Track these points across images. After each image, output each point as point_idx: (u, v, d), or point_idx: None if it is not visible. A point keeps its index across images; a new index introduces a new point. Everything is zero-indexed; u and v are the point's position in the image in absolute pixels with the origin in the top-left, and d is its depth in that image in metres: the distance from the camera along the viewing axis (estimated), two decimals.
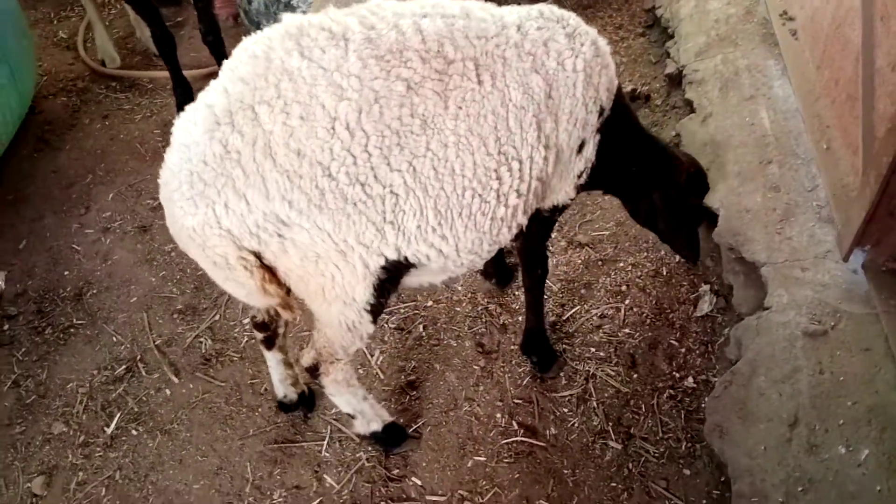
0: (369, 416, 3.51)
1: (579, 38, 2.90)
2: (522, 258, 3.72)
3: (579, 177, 3.19)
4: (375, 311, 2.99)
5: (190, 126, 2.54)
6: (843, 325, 3.49)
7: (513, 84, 2.76)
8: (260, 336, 3.51)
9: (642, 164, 3.51)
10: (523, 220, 3.08)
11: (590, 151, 3.12)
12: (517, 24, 2.84)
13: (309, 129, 2.46)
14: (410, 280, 3.06)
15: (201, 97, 2.58)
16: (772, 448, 3.27)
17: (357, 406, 3.46)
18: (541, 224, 3.40)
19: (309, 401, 3.84)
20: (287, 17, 2.60)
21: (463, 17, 2.75)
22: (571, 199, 3.32)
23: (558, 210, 3.35)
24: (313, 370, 3.27)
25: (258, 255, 2.67)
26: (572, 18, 2.97)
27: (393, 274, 2.87)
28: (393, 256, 2.77)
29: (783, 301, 3.67)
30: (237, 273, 2.66)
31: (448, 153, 2.66)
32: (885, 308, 3.45)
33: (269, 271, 2.75)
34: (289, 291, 2.90)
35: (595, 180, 3.33)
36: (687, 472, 3.61)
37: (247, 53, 2.54)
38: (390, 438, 3.64)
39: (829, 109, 4.28)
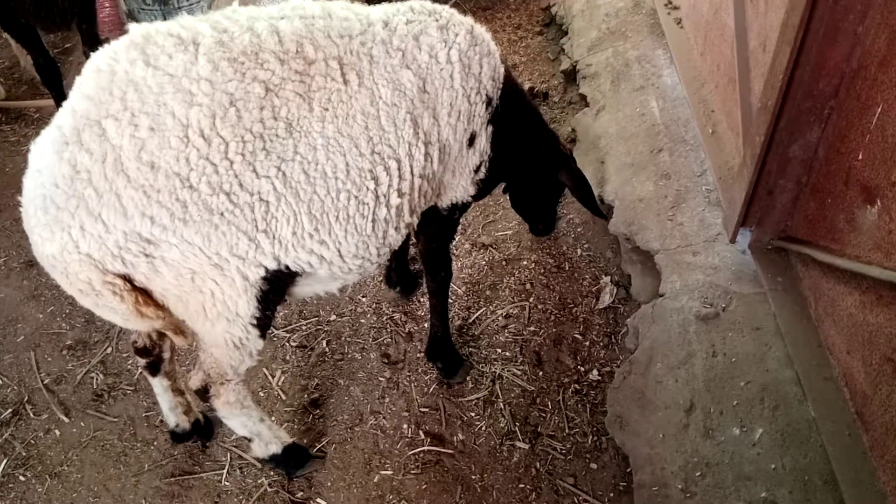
0: (267, 439, 3.39)
1: (453, 30, 2.84)
2: (425, 261, 3.66)
3: (476, 171, 3.14)
4: (262, 325, 2.87)
5: (41, 149, 2.40)
6: (734, 307, 3.52)
7: (381, 81, 2.68)
8: (142, 362, 3.35)
9: (542, 148, 3.53)
10: (412, 220, 3.01)
11: (483, 144, 3.07)
12: (384, 20, 2.77)
13: (160, 139, 2.33)
14: (301, 290, 2.97)
15: (54, 119, 2.45)
16: (670, 435, 3.27)
17: (253, 428, 3.33)
18: (441, 224, 3.35)
19: (205, 429, 3.69)
20: (134, 27, 2.48)
21: (324, 17, 2.66)
22: (472, 197, 3.26)
23: (458, 209, 3.30)
24: (203, 392, 3.13)
25: (128, 278, 2.54)
26: (445, 11, 2.91)
27: (276, 284, 2.77)
28: (272, 266, 2.67)
29: (676, 287, 3.69)
30: (106, 299, 2.52)
31: (318, 156, 2.57)
32: (772, 286, 3.50)
33: (144, 293, 2.62)
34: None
35: (497, 172, 3.30)
36: (594, 465, 3.58)
37: (92, 68, 2.41)
38: (292, 460, 3.51)
39: (714, 94, 4.34)
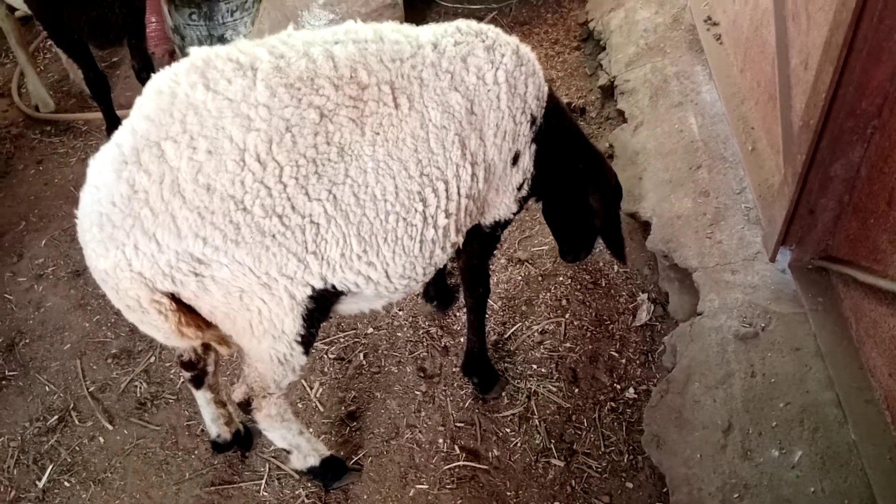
0: (306, 451, 3.43)
1: (499, 50, 2.87)
2: (464, 277, 3.69)
3: (520, 189, 3.17)
4: (306, 342, 2.92)
5: (100, 166, 2.47)
6: (773, 326, 3.49)
7: (431, 104, 2.71)
8: (187, 375, 3.43)
9: (581, 167, 3.52)
10: (458, 239, 3.04)
11: (526, 163, 3.09)
12: (433, 42, 2.80)
13: (217, 162, 2.39)
14: (345, 307, 3.01)
15: (114, 137, 2.53)
16: (707, 456, 3.24)
17: (292, 441, 3.37)
18: (483, 240, 3.38)
19: (245, 440, 3.75)
20: (194, 51, 2.54)
21: (376, 40, 2.71)
22: (514, 214, 3.28)
23: (500, 225, 3.32)
24: (245, 405, 3.19)
25: (175, 297, 2.60)
26: (491, 31, 2.93)
27: (322, 303, 2.81)
28: (319, 286, 2.71)
29: (715, 305, 3.66)
30: (151, 317, 2.59)
31: (368, 179, 2.61)
32: (813, 306, 3.46)
33: (188, 312, 2.69)
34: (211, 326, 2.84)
35: (535, 189, 3.33)
36: (630, 485, 3.57)
37: (153, 90, 2.48)
38: (329, 472, 3.56)
39: (753, 111, 4.31)
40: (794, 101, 3.65)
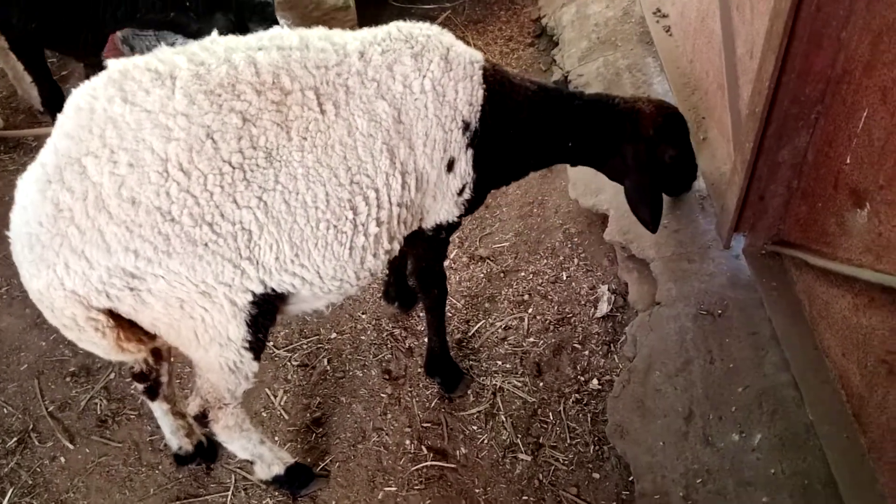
0: (269, 460, 3.40)
1: (426, 57, 2.86)
2: (416, 279, 3.67)
3: (460, 193, 3.14)
4: (255, 348, 2.91)
5: (26, 186, 2.45)
6: (730, 312, 3.54)
7: (357, 112, 2.71)
8: (140, 387, 3.38)
9: (582, 135, 3.34)
10: (393, 246, 3.03)
11: (463, 168, 3.06)
12: (360, 50, 2.80)
13: (140, 175, 2.38)
14: (291, 308, 3.01)
15: (39, 156, 2.49)
16: (670, 443, 3.28)
17: (254, 451, 3.35)
18: (428, 244, 3.36)
19: (209, 452, 3.70)
20: (112, 63, 2.52)
21: (301, 47, 2.70)
22: (459, 217, 3.25)
23: (444, 229, 3.29)
24: (202, 418, 3.16)
25: (114, 312, 2.58)
26: (422, 36, 2.92)
27: (265, 308, 2.81)
28: (259, 290, 2.71)
29: (672, 294, 3.71)
30: (88, 334, 2.58)
31: (299, 185, 2.61)
32: (767, 291, 3.51)
33: (129, 327, 2.68)
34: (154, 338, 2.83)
35: (490, 185, 3.32)
36: (596, 475, 3.60)
37: (72, 106, 2.45)
38: (295, 480, 3.53)
39: (704, 101, 4.37)
40: (742, 90, 3.70)
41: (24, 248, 2.43)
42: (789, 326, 3.37)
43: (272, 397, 4.01)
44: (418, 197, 2.99)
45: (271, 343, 4.23)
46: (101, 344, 2.61)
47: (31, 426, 3.92)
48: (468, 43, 3.26)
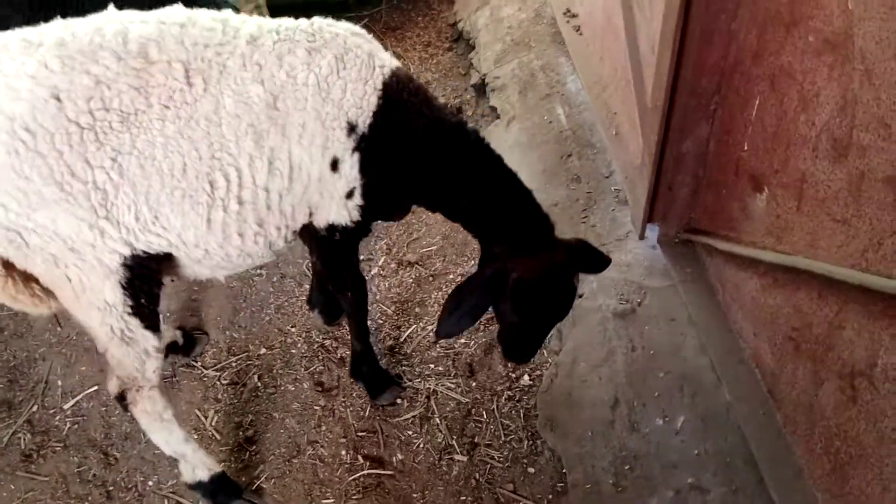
0: (193, 462, 3.36)
1: (320, 54, 2.84)
2: (328, 279, 3.66)
3: (349, 196, 3.06)
4: (142, 314, 2.93)
5: None
6: (649, 301, 3.64)
7: (227, 91, 2.72)
8: None
9: (474, 212, 3.20)
10: (266, 231, 3.01)
11: (348, 170, 2.98)
12: (254, 35, 2.80)
13: None
14: (180, 272, 3.06)
15: None
16: (598, 433, 3.36)
17: (177, 448, 3.31)
18: (324, 244, 3.27)
19: (185, 347, 4.11)
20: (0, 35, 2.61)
21: (184, 24, 2.72)
22: (359, 223, 3.17)
23: (339, 231, 3.17)
24: (121, 399, 3.15)
25: (9, 263, 2.72)
26: (328, 34, 2.89)
27: (141, 270, 2.85)
28: (127, 252, 2.77)
29: (593, 287, 3.79)
30: None
31: (156, 153, 2.66)
32: (682, 277, 3.63)
33: (27, 281, 2.82)
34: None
35: (392, 196, 3.25)
36: (531, 470, 3.65)
37: None
38: (220, 492, 3.47)
39: (614, 97, 4.48)
40: (646, 85, 3.81)
41: None
42: (704, 311, 3.50)
43: (202, 418, 3.95)
44: (297, 188, 2.97)
45: (199, 364, 4.17)
46: None
47: None
48: (387, 49, 3.22)
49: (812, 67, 2.55)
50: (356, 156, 2.97)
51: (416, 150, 3.10)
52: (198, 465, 3.37)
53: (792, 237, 2.80)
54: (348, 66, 2.88)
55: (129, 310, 2.87)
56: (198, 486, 3.42)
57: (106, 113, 2.56)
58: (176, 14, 2.76)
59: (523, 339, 3.24)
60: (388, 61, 3.03)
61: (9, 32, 2.58)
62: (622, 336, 3.56)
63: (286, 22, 2.94)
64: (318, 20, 2.98)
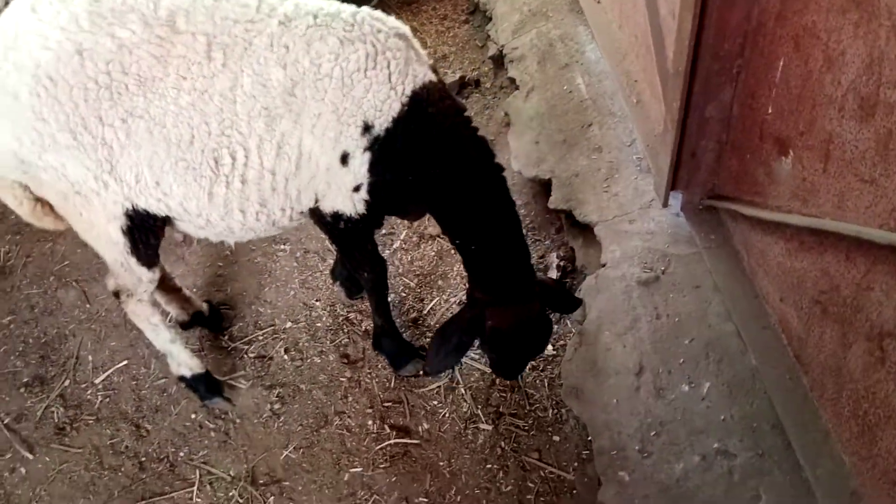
0: (178, 360, 3.73)
1: (351, 48, 2.78)
2: (344, 260, 3.72)
3: (356, 190, 3.03)
4: (140, 256, 3.15)
5: None
6: (673, 268, 3.63)
7: (248, 70, 2.73)
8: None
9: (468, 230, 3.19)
10: (269, 210, 3.05)
11: (357, 167, 2.95)
12: (289, 17, 2.77)
13: (20, 74, 2.63)
14: (178, 228, 3.17)
15: None
16: (623, 399, 3.37)
17: (163, 347, 3.70)
18: (330, 230, 3.28)
19: (212, 321, 4.21)
20: None
21: None
22: (363, 216, 3.13)
23: (344, 220, 3.15)
24: (116, 295, 3.46)
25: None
26: (366, 26, 2.82)
27: (142, 223, 3.02)
28: (128, 205, 2.92)
29: (616, 256, 3.79)
30: (10, 201, 3.02)
31: (167, 120, 2.74)
32: (706, 244, 3.61)
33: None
34: None
35: (401, 199, 3.22)
36: (556, 438, 3.68)
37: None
38: (199, 387, 3.83)
39: (635, 64, 4.44)
40: (668, 51, 3.76)
41: None
42: (729, 277, 3.48)
43: (230, 391, 4.01)
44: (304, 175, 2.96)
45: (227, 336, 4.23)
46: (21, 212, 3.06)
47: None
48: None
49: (837, 26, 2.51)
50: (367, 155, 2.94)
51: (429, 167, 3.04)
52: (182, 364, 3.71)
53: (818, 199, 2.77)
54: (378, 67, 2.82)
55: (129, 250, 3.09)
56: (182, 380, 3.80)
57: (124, 76, 2.66)
58: None
59: (506, 365, 3.43)
60: (424, 73, 2.95)
61: None
62: (646, 304, 3.55)
63: (330, 6, 2.88)
64: (365, 11, 2.91)
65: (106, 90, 2.66)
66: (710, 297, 3.48)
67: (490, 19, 5.83)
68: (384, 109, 2.86)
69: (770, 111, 3.01)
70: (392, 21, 2.94)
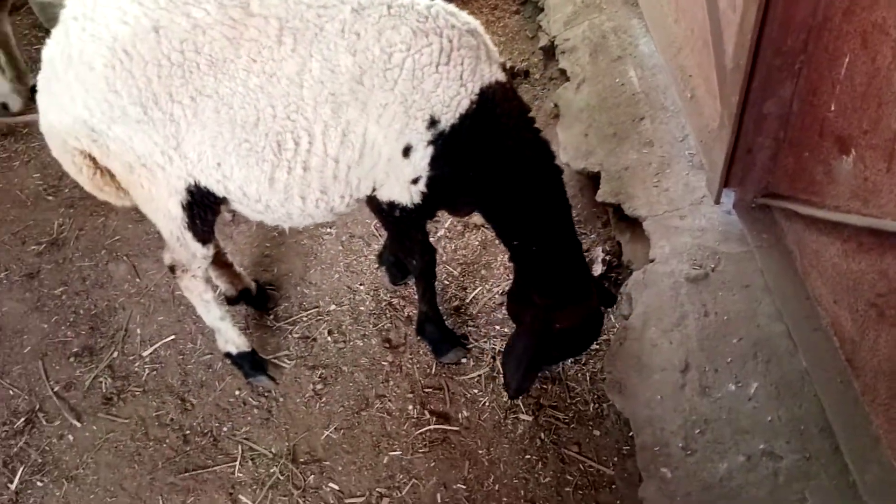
0: (226, 337, 3.81)
1: (424, 41, 2.76)
2: (395, 247, 3.74)
3: (415, 183, 3.05)
4: (196, 232, 3.21)
5: None
6: (723, 266, 3.59)
7: (317, 56, 2.73)
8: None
9: (538, 235, 3.22)
10: (330, 198, 3.07)
11: (419, 160, 2.96)
12: (363, 4, 2.76)
13: (97, 46, 2.67)
14: (241, 210, 3.20)
15: None
16: (668, 396, 3.34)
17: (212, 322, 3.78)
18: (385, 217, 3.30)
19: (258, 300, 4.26)
20: None
21: None
22: (419, 207, 3.15)
23: (399, 209, 3.17)
24: (171, 269, 3.55)
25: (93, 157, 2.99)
26: (442, 20, 2.80)
27: (202, 200, 3.06)
28: (190, 181, 2.96)
29: (665, 251, 3.75)
30: (70, 168, 3.07)
31: (234, 102, 2.75)
32: (758, 243, 3.56)
33: (108, 174, 3.10)
34: None
35: (455, 194, 3.24)
36: (597, 432, 3.67)
37: None
38: (244, 365, 3.91)
39: (690, 59, 4.38)
40: (726, 45, 3.71)
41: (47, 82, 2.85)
42: (781, 277, 3.43)
43: (273, 369, 4.05)
44: (366, 163, 2.97)
45: (272, 316, 4.28)
46: (81, 180, 3.10)
47: (37, 407, 3.97)
48: None
49: None
50: (430, 149, 2.94)
51: (490, 166, 3.07)
52: (229, 341, 3.78)
53: (880, 200, 2.71)
54: (451, 64, 2.81)
55: (186, 225, 3.14)
56: (228, 356, 3.88)
57: (196, 55, 2.68)
58: None
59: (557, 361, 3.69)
60: (494, 72, 2.94)
61: None
62: (694, 301, 3.52)
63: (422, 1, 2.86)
64: (439, 4, 2.88)
65: (178, 68, 2.68)
66: (760, 297, 3.43)
67: (541, 10, 5.80)
68: (452, 105, 2.86)
69: (832, 109, 2.96)
70: (465, 16, 2.93)
